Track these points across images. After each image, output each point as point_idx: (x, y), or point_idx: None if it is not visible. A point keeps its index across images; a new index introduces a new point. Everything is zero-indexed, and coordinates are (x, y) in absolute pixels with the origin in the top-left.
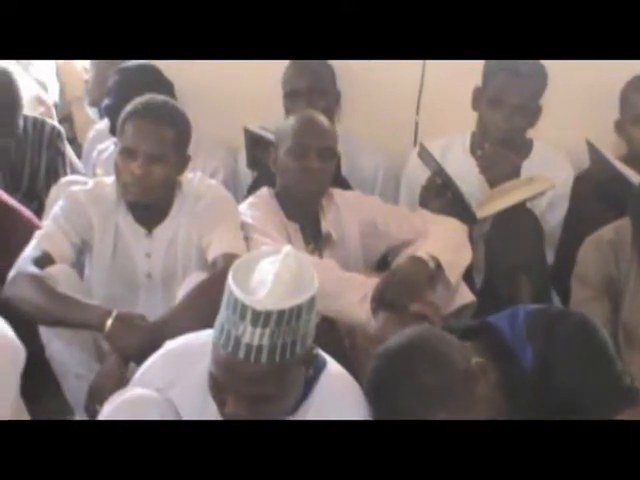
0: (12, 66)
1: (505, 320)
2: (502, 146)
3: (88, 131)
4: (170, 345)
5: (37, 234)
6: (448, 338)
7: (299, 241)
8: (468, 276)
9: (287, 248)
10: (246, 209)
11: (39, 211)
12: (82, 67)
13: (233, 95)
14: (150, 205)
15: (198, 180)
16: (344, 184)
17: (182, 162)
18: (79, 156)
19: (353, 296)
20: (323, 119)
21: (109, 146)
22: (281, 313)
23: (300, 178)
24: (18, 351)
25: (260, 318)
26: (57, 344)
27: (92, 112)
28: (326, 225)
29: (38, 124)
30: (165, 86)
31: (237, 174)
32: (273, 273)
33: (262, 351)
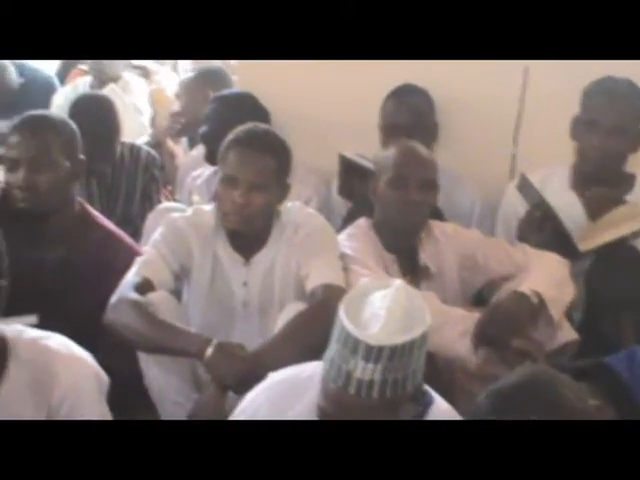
0: (112, 91)
1: (622, 362)
2: (600, 170)
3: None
4: (275, 377)
5: (138, 260)
6: (563, 379)
7: (396, 273)
8: (566, 313)
9: (398, 282)
10: (344, 240)
11: (134, 236)
12: (173, 95)
13: (328, 121)
14: (249, 233)
15: (297, 209)
16: (439, 215)
17: (282, 191)
18: (165, 184)
19: (453, 330)
20: (424, 150)
21: (203, 172)
22: (394, 348)
23: (400, 209)
24: (101, 378)
25: (372, 353)
26: (156, 371)
27: (184, 140)
28: (424, 257)
29: (134, 150)
30: (261, 114)
31: (330, 203)
32: (385, 307)
33: (373, 386)
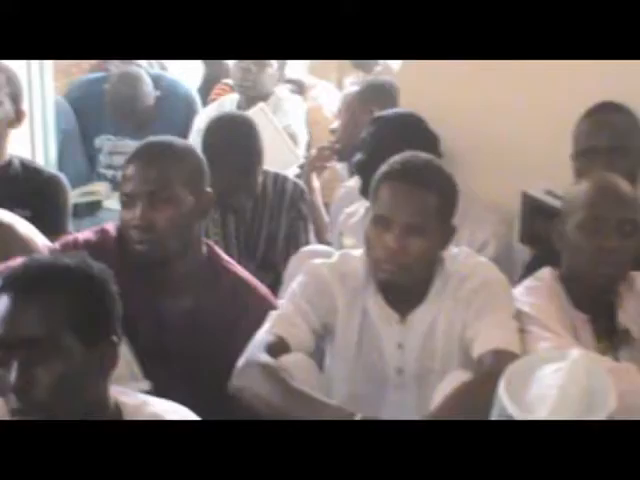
0: (260, 111)
1: None
2: None
3: (335, 189)
4: None
5: (272, 315)
6: None
7: (588, 337)
8: None
9: (575, 353)
10: (523, 294)
11: (275, 285)
12: (332, 114)
13: (509, 151)
14: (405, 285)
15: (464, 256)
16: None
17: (446, 234)
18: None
19: None
20: (624, 184)
21: (358, 209)
22: None
23: (593, 258)
24: None
25: None
26: None
27: (340, 167)
28: (624, 318)
29: (279, 181)
30: (429, 139)
31: (511, 249)
32: (557, 386)
33: None
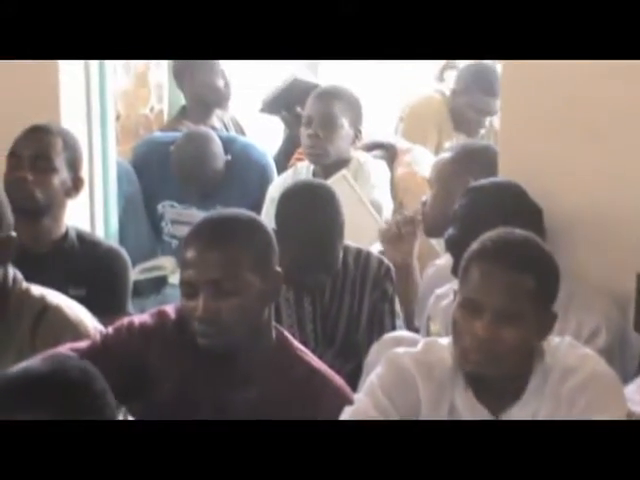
0: (342, 178)
1: None
2: None
3: (426, 267)
4: None
5: (346, 410)
6: None
7: None
8: None
9: None
10: (634, 392)
11: (354, 375)
12: (422, 179)
13: (623, 226)
14: (497, 379)
15: (567, 347)
16: None
17: (545, 322)
18: None
19: None
20: None
21: (450, 291)
22: None
23: None
24: None
25: None
26: None
27: (435, 243)
28: None
29: (361, 258)
30: (530, 213)
31: (624, 339)
32: None
33: None
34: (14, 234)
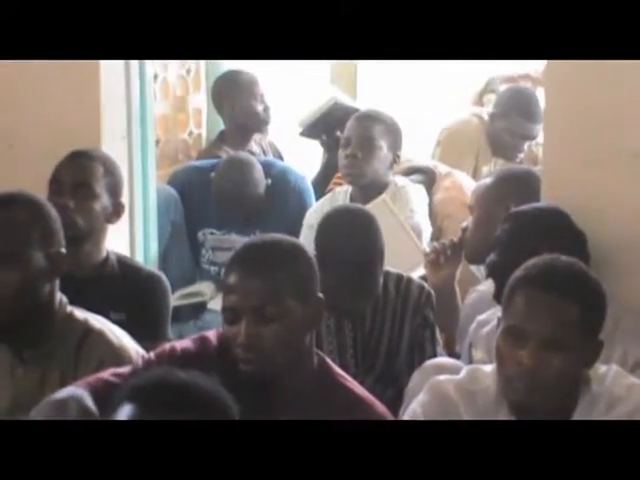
0: (382, 203)
1: None
2: None
3: (466, 293)
4: None
5: None
6: None
7: None
8: None
9: None
10: None
11: (396, 402)
12: (462, 204)
13: None
14: (542, 409)
15: (614, 376)
16: None
17: (591, 350)
18: None
19: None
20: None
21: (492, 317)
22: None
23: None
24: None
25: None
26: None
27: (475, 269)
28: None
29: (402, 283)
30: (574, 239)
31: None
32: None
33: None
34: (64, 250)
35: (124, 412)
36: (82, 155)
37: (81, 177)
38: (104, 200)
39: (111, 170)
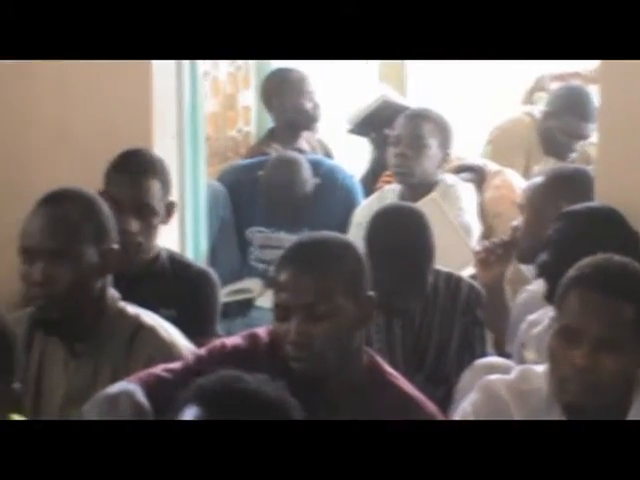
0: (431, 202)
1: None
2: None
3: (517, 293)
4: None
5: None
6: None
7: None
8: None
9: None
10: None
11: (445, 400)
12: (512, 203)
13: None
14: (596, 410)
15: None
16: None
17: None
18: None
19: None
20: None
21: (543, 317)
22: None
23: None
24: None
25: None
26: None
27: (524, 269)
28: None
29: (452, 282)
30: (628, 239)
31: None
32: None
33: None
34: (117, 247)
35: (189, 413)
36: (139, 172)
37: (142, 198)
38: (162, 212)
39: (162, 174)
